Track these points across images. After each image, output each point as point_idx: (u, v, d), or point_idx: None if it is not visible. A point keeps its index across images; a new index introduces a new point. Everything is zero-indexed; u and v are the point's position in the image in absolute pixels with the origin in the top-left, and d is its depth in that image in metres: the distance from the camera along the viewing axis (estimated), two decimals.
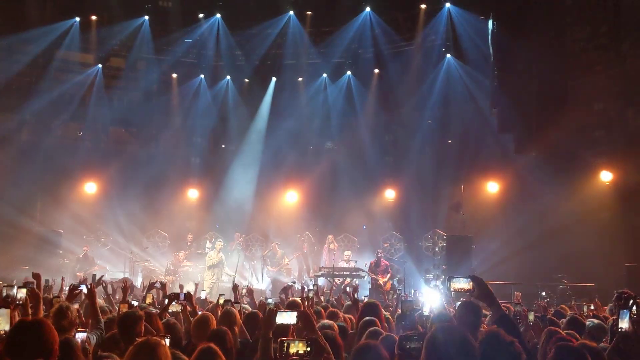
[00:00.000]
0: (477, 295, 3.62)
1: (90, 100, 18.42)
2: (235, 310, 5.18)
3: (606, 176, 14.38)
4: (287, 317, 3.84)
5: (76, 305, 5.85)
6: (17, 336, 3.03)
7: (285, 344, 3.07)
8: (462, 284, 3.63)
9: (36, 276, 6.16)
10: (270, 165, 18.24)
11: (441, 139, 17.98)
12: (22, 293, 4.82)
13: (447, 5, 16.85)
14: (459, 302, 5.06)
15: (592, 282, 12.70)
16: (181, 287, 9.40)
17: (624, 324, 3.96)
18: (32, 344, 2.97)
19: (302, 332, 4.05)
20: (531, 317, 5.65)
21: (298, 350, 3.04)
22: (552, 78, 14.09)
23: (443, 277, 13.97)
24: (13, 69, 17.26)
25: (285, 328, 3.85)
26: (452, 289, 3.85)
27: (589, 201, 14.11)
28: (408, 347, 3.52)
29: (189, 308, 5.87)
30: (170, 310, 5.76)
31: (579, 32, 14.20)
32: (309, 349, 3.05)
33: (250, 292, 8.14)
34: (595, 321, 5.63)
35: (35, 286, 6.38)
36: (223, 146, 19.85)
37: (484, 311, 4.62)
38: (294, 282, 12.14)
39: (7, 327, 3.37)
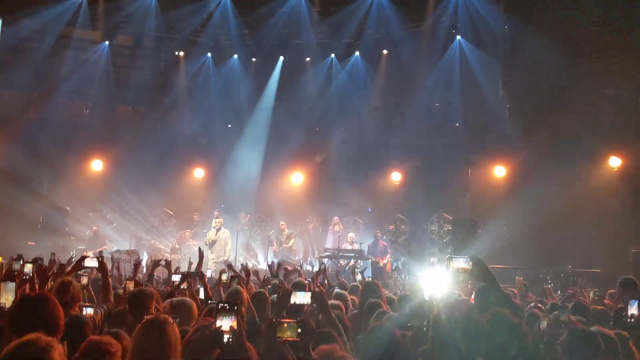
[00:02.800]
0: (476, 275, 3.61)
1: (97, 78, 18.36)
2: (243, 289, 5.17)
3: (615, 162, 14.27)
4: (301, 297, 3.83)
5: (84, 280, 5.88)
6: (21, 311, 3.01)
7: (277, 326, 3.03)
8: (461, 263, 3.61)
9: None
10: (276, 145, 18.18)
11: (449, 122, 17.85)
12: (28, 268, 4.84)
13: None
14: (478, 288, 5.02)
15: (598, 267, 12.66)
16: (190, 264, 9.41)
17: (634, 310, 3.94)
18: (35, 318, 2.95)
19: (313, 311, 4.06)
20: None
21: (289, 333, 3.01)
22: (562, 62, 13.94)
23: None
24: (20, 46, 17.19)
25: (299, 307, 3.85)
26: (451, 268, 3.83)
27: (597, 187, 14.03)
28: (409, 325, 3.52)
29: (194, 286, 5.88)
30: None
31: (592, 15, 13.96)
32: (299, 330, 3.02)
33: (256, 272, 8.15)
34: (598, 307, 5.62)
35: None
36: (229, 125, 19.79)
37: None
38: (301, 266, 12.10)
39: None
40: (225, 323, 2.86)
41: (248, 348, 3.01)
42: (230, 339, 2.86)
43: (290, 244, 16.21)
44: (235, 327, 2.89)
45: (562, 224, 13.38)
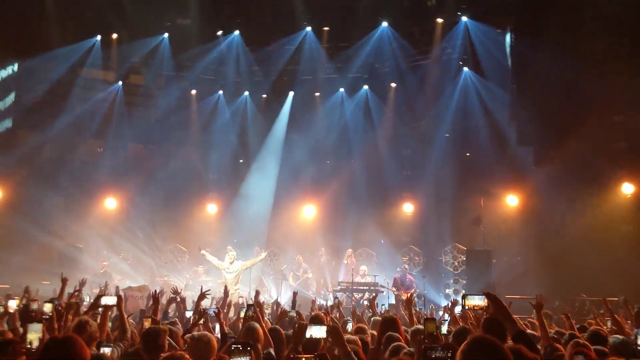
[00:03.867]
0: (492, 312, 3.59)
1: (111, 117, 18.71)
2: (258, 326, 5.17)
3: (628, 188, 14.19)
4: (316, 331, 3.85)
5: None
6: (50, 353, 3.06)
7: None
8: (477, 301, 3.60)
9: (63, 280, 6.41)
10: (288, 179, 18.30)
11: (459, 152, 17.89)
12: (48, 308, 4.91)
13: (464, 18, 16.85)
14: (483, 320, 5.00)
15: (614, 296, 12.46)
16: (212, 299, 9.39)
17: None
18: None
19: (332, 346, 4.06)
20: None
21: None
22: (571, 89, 14.00)
23: (463, 291, 13.84)
24: (37, 88, 17.60)
25: (315, 342, 3.86)
26: (466, 307, 3.82)
27: (610, 214, 13.93)
28: (433, 356, 3.51)
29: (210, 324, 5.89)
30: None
31: (600, 42, 14.08)
32: None
33: (277, 304, 8.15)
34: (620, 337, 5.51)
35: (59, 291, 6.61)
36: (241, 161, 19.98)
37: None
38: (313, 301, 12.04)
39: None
40: None
41: None
42: None
43: (309, 275, 16.18)
44: None
45: (575, 252, 13.25)
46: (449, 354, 3.57)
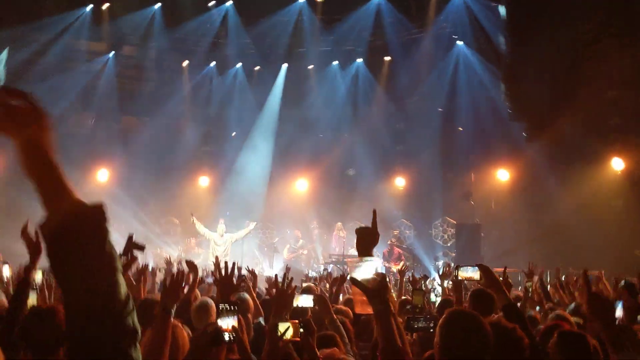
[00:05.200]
0: (485, 284, 3.64)
1: (102, 89, 18.54)
2: (248, 296, 5.24)
3: (618, 164, 14.28)
4: (304, 300, 3.92)
5: None
6: (31, 323, 3.11)
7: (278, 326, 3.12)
8: (470, 272, 3.64)
9: None
10: (280, 153, 18.30)
11: (452, 127, 17.89)
12: (38, 276, 4.94)
13: None
14: (470, 291, 5.09)
15: (603, 270, 12.61)
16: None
17: (619, 312, 4.00)
18: (46, 331, 3.04)
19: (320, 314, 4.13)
20: None
21: (292, 333, 3.09)
22: (564, 66, 13.99)
23: (452, 264, 13.96)
24: (25, 58, 17.37)
25: (302, 311, 3.94)
26: (459, 277, 3.87)
27: (600, 189, 14.04)
28: (416, 326, 3.59)
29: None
30: None
31: (592, 20, 14.02)
32: (301, 330, 3.10)
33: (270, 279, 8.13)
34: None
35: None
36: (234, 134, 19.92)
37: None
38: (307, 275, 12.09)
39: None
40: (227, 322, 2.96)
41: (247, 346, 3.10)
42: (233, 336, 2.96)
43: (304, 251, 16.28)
44: (237, 326, 2.99)
45: (565, 227, 13.38)
46: (432, 324, 3.65)
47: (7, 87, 1.23)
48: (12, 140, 1.23)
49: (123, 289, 1.26)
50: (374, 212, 2.72)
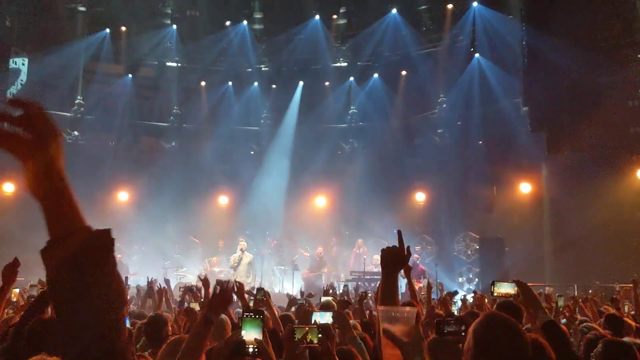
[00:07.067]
0: (523, 301, 3.50)
1: (121, 111, 18.76)
2: (267, 313, 5.15)
3: None
4: (322, 317, 3.84)
5: None
6: (35, 332, 3.08)
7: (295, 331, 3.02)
8: (507, 288, 3.51)
9: None
10: (298, 170, 18.26)
11: (472, 139, 17.69)
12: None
13: (474, 4, 16.65)
14: (497, 303, 4.94)
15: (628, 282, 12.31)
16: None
17: None
18: (48, 340, 2.99)
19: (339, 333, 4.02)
20: None
21: (310, 338, 2.98)
22: (584, 75, 13.83)
23: (476, 279, 13.77)
24: (47, 82, 17.66)
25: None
26: (495, 294, 3.74)
27: (624, 200, 13.76)
28: (446, 330, 3.46)
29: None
30: None
31: (612, 28, 13.88)
32: (319, 335, 2.99)
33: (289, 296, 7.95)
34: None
35: None
36: (252, 152, 19.98)
37: None
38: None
39: None
40: (251, 334, 2.87)
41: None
42: (256, 349, 2.85)
43: (325, 270, 16.13)
44: (261, 338, 2.89)
45: (589, 240, 13.10)
46: (462, 328, 3.50)
47: (19, 99, 1.15)
48: (22, 162, 1.15)
49: (125, 325, 1.18)
50: (399, 232, 2.61)
